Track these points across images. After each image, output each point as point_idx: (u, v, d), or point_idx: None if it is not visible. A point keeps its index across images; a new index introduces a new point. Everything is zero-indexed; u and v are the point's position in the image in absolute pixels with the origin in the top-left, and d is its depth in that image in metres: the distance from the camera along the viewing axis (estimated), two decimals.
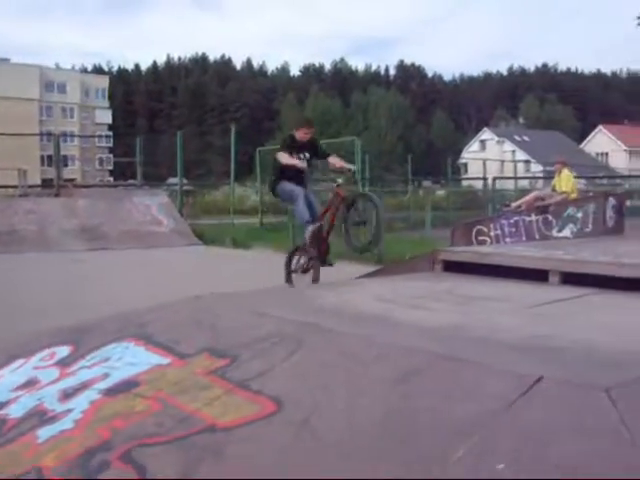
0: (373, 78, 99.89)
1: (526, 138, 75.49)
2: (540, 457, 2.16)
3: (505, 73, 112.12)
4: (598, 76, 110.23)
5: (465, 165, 64.57)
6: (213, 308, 4.50)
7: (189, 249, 15.04)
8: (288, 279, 7.66)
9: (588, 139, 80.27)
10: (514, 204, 11.26)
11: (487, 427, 2.39)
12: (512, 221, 9.00)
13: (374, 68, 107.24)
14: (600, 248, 6.68)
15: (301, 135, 7.66)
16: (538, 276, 5.41)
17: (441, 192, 30.57)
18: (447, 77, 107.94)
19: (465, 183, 39.47)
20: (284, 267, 7.68)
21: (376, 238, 7.44)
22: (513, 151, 70.84)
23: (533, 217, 8.84)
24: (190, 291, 5.11)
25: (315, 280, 7.25)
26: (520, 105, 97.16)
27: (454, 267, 6.03)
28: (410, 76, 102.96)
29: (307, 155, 7.68)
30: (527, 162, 62.89)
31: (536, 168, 58.10)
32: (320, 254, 7.47)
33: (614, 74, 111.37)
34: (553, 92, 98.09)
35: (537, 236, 8.69)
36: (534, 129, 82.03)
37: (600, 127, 79.08)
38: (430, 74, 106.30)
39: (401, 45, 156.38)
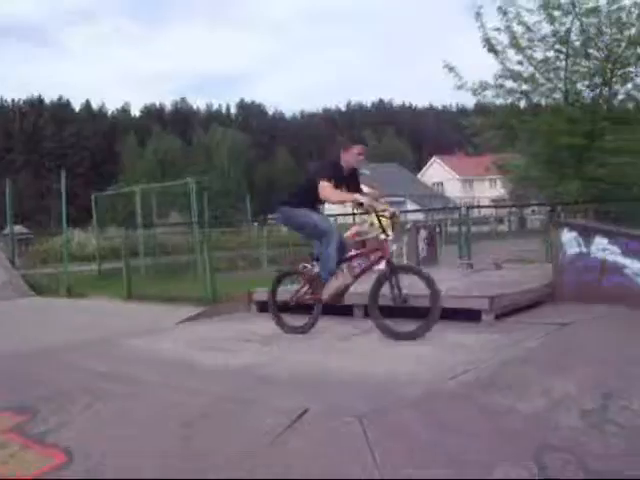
0: (214, 117, 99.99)
1: (366, 171, 77.82)
2: None
3: (344, 109, 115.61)
4: (430, 110, 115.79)
5: None
6: (25, 364, 4.56)
7: (21, 301, 14.54)
8: (276, 318, 5.39)
9: (424, 170, 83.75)
10: None
11: (255, 459, 2.66)
12: None
13: (215, 107, 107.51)
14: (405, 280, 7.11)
15: (349, 159, 5.25)
16: (347, 310, 5.79)
17: (285, 229, 31.19)
18: (288, 114, 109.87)
19: None
20: (269, 298, 5.53)
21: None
22: None
23: (353, 252, 9.31)
24: (9, 347, 5.11)
25: (313, 322, 5.14)
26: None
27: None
28: (251, 114, 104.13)
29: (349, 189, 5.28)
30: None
31: None
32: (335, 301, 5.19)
33: (445, 107, 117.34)
34: (390, 126, 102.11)
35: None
36: (373, 162, 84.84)
37: (434, 158, 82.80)
38: (271, 112, 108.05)
39: (241, 84, 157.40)
